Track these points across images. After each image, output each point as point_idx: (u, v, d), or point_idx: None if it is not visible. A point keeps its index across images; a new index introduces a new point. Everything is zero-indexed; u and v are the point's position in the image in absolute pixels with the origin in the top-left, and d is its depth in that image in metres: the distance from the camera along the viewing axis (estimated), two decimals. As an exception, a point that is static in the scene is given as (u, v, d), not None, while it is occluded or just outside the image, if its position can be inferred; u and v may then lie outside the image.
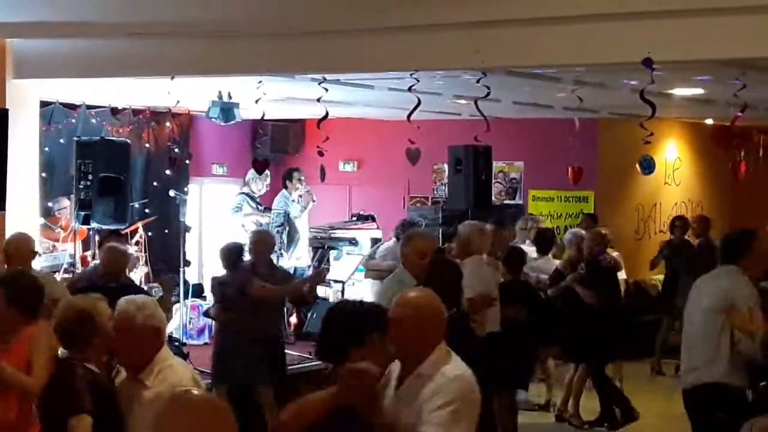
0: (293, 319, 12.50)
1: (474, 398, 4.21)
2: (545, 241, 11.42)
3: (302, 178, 13.43)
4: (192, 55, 8.81)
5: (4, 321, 5.77)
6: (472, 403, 4.20)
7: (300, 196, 13.36)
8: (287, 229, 13.26)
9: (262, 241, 9.28)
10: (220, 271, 9.42)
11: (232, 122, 11.31)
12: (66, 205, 11.74)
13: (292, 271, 12.81)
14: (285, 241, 13.18)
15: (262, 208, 13.58)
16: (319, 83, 9.15)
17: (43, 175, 11.26)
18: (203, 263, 14.92)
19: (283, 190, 13.42)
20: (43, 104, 11.01)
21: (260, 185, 13.54)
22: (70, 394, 4.81)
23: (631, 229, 15.77)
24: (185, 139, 14.73)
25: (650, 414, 10.52)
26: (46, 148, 11.86)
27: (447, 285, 6.59)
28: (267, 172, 13.08)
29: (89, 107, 13.14)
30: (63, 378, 4.94)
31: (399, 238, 12.07)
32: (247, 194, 13.42)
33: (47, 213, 11.68)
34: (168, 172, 13.16)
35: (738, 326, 6.62)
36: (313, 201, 13.44)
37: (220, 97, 11.03)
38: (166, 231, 13.46)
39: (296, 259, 13.32)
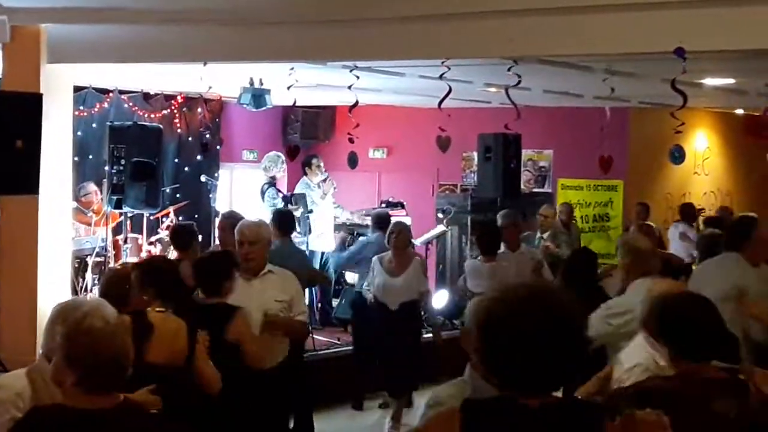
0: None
1: None
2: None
3: (321, 164, 13.37)
4: (224, 41, 8.84)
5: None
6: None
7: (320, 183, 13.27)
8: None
9: None
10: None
11: (263, 108, 11.36)
12: (92, 190, 11.77)
13: (319, 256, 12.84)
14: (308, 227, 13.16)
15: (285, 194, 13.58)
16: (351, 70, 9.17)
17: (76, 159, 11.35)
18: (233, 248, 14.96)
19: (304, 177, 13.39)
20: (77, 89, 11.08)
21: (279, 171, 13.49)
22: None
23: (660, 219, 15.73)
24: (216, 124, 14.81)
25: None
26: (79, 133, 11.96)
27: None
28: (279, 155, 13.09)
29: (122, 92, 13.24)
30: None
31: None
32: (273, 185, 13.30)
33: (78, 197, 11.76)
34: (199, 157, 13.28)
35: (757, 314, 6.60)
36: (334, 188, 13.35)
37: (252, 83, 11.07)
38: (197, 216, 13.53)
39: (321, 243, 13.21)
